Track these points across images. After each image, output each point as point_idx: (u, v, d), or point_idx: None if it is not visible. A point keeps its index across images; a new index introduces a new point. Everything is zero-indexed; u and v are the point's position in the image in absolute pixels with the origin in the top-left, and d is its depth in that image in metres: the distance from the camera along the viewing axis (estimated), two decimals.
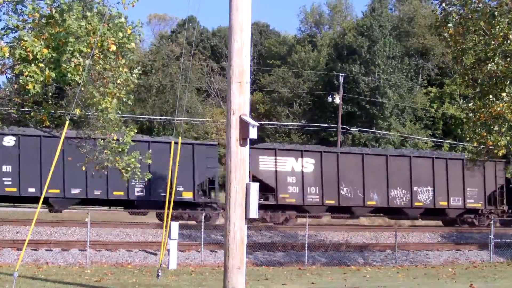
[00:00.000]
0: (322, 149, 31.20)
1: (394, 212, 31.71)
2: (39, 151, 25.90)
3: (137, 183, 27.09)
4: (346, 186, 30.18)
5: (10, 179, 25.63)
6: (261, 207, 27.33)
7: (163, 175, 26.66)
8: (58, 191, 25.93)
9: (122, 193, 27.26)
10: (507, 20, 17.86)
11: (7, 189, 25.66)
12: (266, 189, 28.68)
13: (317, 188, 29.68)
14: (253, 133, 9.21)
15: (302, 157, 29.49)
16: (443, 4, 19.16)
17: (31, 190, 25.77)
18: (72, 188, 26.52)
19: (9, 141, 25.68)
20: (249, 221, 9.62)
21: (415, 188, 31.28)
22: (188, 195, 28.19)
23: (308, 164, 29.64)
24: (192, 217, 28.25)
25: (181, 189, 27.72)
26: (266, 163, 28.98)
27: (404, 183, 31.08)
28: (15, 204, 28.00)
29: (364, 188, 30.31)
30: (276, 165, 29.04)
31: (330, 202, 29.95)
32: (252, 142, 9.83)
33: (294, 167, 29.42)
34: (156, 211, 27.41)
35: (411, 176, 31.15)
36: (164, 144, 27.52)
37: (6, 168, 25.37)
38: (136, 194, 27.55)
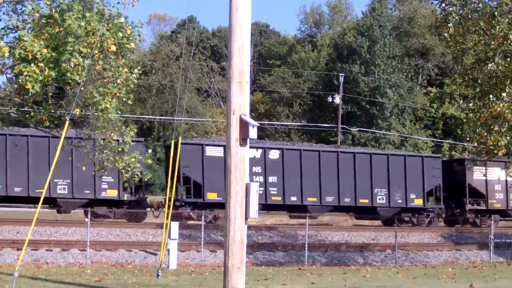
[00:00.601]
0: None
1: None
2: (299, 163, 29.28)
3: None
4: None
5: (275, 189, 28.91)
6: (473, 211, 32.98)
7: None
8: (315, 199, 29.51)
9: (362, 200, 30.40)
10: (507, 20, 17.85)
11: (273, 198, 28.92)
12: (477, 196, 32.86)
13: None
14: (253, 133, 9.21)
15: (506, 167, 32.58)
16: (443, 4, 19.14)
17: (293, 198, 29.13)
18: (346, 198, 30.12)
19: (274, 154, 29.17)
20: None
21: None
22: (419, 202, 31.51)
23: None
24: (418, 221, 31.70)
25: (413, 196, 31.28)
26: (478, 173, 32.34)
27: None
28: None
29: None
30: (486, 174, 32.54)
31: None
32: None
33: (499, 176, 33.36)
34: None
35: None
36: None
37: (272, 179, 28.73)
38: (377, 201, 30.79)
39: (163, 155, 30.73)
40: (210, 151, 27.98)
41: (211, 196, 27.66)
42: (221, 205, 26.93)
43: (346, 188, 29.77)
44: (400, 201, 30.85)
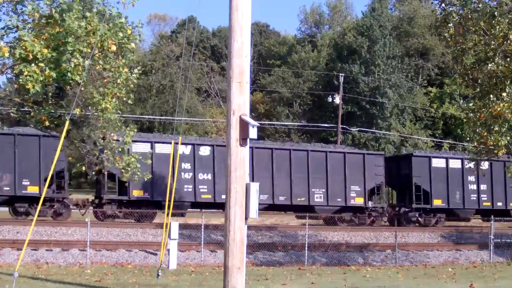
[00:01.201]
0: None
1: None
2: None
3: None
4: None
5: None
6: None
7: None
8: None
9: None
10: (507, 20, 17.85)
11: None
12: None
13: None
14: (253, 133, 9.22)
15: None
16: (443, 4, 19.14)
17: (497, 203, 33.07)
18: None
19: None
20: None
21: None
22: None
23: None
24: None
25: None
26: None
27: None
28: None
29: None
30: None
31: None
32: None
33: None
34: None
35: None
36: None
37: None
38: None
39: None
40: (436, 163, 32.05)
41: (437, 203, 31.83)
42: (445, 211, 32.15)
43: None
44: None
